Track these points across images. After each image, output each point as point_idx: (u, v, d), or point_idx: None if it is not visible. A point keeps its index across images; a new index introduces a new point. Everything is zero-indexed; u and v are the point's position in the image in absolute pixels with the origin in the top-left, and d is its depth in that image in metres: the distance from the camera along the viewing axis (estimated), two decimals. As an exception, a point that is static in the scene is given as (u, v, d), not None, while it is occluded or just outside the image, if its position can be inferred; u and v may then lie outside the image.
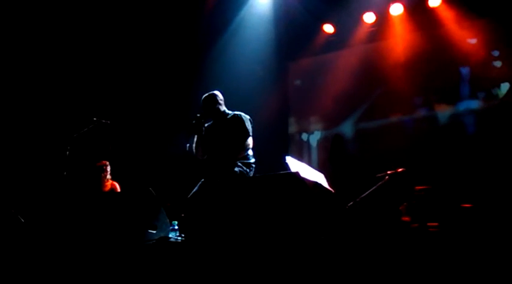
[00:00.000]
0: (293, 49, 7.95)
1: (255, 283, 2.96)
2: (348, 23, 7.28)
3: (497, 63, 6.41)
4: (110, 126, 5.36)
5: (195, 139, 4.55)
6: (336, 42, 7.52)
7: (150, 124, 7.36)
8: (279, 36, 7.70)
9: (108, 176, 5.90)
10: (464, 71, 6.59)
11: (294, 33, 7.70)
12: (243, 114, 4.53)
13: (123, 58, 7.23)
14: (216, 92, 4.65)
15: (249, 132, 4.42)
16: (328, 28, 7.50)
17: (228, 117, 4.55)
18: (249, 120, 4.52)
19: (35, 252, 3.84)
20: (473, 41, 6.49)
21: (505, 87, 6.32)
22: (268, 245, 3.11)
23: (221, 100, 4.63)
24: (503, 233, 3.16)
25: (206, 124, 4.58)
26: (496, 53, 6.47)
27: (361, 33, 7.29)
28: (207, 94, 4.62)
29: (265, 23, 7.53)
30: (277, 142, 7.76)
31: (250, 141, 4.43)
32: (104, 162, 5.93)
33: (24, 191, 5.85)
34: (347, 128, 7.45)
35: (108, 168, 5.91)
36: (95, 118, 5.32)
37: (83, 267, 3.58)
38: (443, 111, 6.71)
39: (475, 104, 6.52)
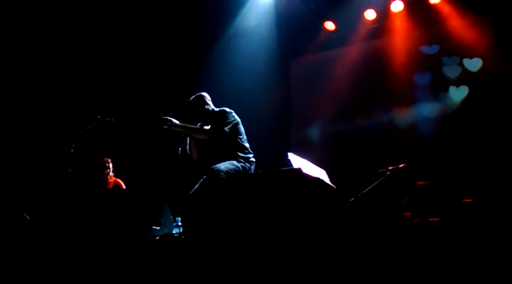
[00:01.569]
0: (294, 46, 7.96)
1: (258, 279, 2.99)
2: (349, 20, 7.29)
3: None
4: (113, 124, 5.39)
5: (188, 142, 4.61)
6: (337, 39, 7.53)
7: (153, 122, 7.38)
8: (281, 33, 7.71)
9: (111, 173, 5.94)
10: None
11: (295, 31, 7.71)
12: (223, 108, 4.56)
13: (126, 56, 7.25)
14: (204, 93, 4.73)
15: (218, 122, 4.42)
16: (329, 25, 7.51)
17: (215, 112, 4.61)
18: (230, 113, 4.52)
19: (40, 249, 3.87)
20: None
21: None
22: (271, 241, 3.13)
23: (209, 100, 4.71)
24: (504, 228, 3.18)
25: (198, 125, 4.62)
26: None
27: (362, 30, 7.30)
28: (194, 96, 4.69)
29: (266, 20, 7.54)
30: (279, 139, 7.78)
31: (216, 128, 4.41)
32: (105, 159, 5.96)
33: (29, 188, 5.89)
34: (349, 125, 7.47)
35: (111, 165, 5.94)
36: (99, 116, 5.35)
37: (88, 264, 3.62)
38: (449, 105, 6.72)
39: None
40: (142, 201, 4.21)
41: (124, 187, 5.83)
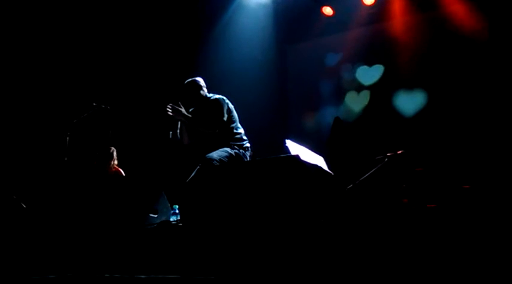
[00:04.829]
0: (292, 32, 7.90)
1: (255, 267, 2.99)
2: (347, 5, 7.23)
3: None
4: (109, 111, 5.36)
5: (179, 126, 4.56)
6: (335, 24, 7.47)
7: (149, 110, 7.36)
8: (278, 19, 7.65)
9: (115, 162, 5.92)
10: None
11: (292, 16, 7.64)
12: (220, 97, 4.51)
13: (122, 43, 7.20)
14: (198, 78, 4.65)
15: (217, 114, 4.37)
16: (327, 10, 7.45)
17: (209, 101, 4.54)
18: (224, 101, 4.47)
19: (37, 238, 3.87)
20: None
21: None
22: (269, 229, 3.13)
23: (203, 85, 4.63)
24: (502, 215, 3.19)
25: (190, 110, 4.58)
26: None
27: (360, 15, 7.24)
28: (188, 80, 4.62)
29: (263, 5, 7.48)
30: (277, 126, 7.77)
31: (216, 121, 4.37)
32: (111, 148, 5.95)
33: (26, 177, 5.87)
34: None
35: (115, 154, 5.92)
36: (94, 104, 5.32)
37: (85, 252, 3.62)
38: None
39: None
40: (139, 189, 4.21)
41: (123, 175, 5.80)
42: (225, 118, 4.36)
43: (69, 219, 3.97)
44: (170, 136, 4.53)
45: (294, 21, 7.70)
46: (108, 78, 7.10)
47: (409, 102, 6.83)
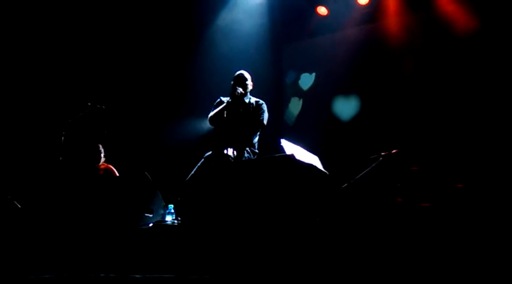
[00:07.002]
0: (287, 31, 7.91)
1: (251, 265, 3.00)
2: (341, 4, 7.24)
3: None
4: (104, 111, 5.35)
5: (222, 106, 4.54)
6: (330, 24, 7.48)
7: (145, 109, 7.35)
8: (273, 19, 7.65)
9: (103, 159, 5.89)
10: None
11: (287, 16, 7.65)
12: (264, 103, 4.67)
13: (117, 42, 7.18)
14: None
15: (264, 124, 4.61)
16: (322, 10, 7.45)
17: (252, 101, 4.64)
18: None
19: (32, 237, 3.86)
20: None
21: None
22: (264, 227, 3.14)
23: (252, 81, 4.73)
24: (496, 214, 3.20)
25: (220, 99, 4.69)
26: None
27: (355, 15, 7.25)
28: (242, 71, 4.73)
29: (258, 4, 7.48)
30: (272, 125, 7.76)
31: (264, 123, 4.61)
32: (98, 145, 5.92)
33: (21, 177, 5.85)
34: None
35: (102, 152, 5.89)
36: (89, 103, 5.31)
37: (79, 253, 3.61)
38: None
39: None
40: (134, 188, 4.20)
41: (116, 172, 5.78)
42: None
43: (65, 219, 3.96)
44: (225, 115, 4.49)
45: (289, 21, 7.71)
46: (103, 77, 7.08)
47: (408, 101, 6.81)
